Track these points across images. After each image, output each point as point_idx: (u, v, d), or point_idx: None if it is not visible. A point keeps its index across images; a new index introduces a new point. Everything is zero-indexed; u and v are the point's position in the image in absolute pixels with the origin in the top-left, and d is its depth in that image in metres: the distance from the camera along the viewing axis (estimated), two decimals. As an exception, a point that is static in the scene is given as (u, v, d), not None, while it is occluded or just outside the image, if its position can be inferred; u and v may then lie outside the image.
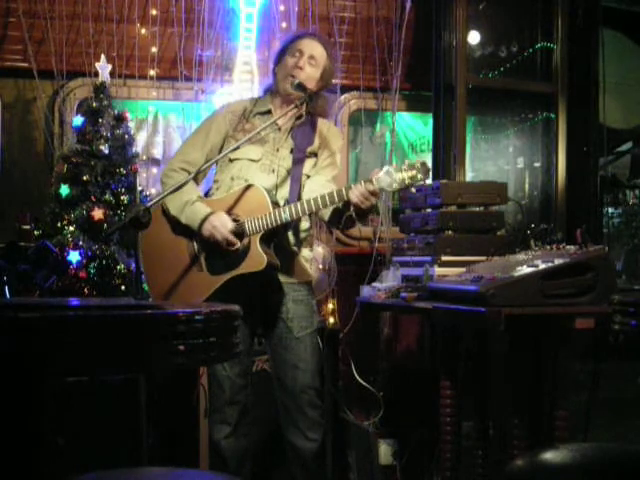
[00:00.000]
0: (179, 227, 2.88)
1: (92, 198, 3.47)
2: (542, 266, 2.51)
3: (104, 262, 3.39)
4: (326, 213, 2.85)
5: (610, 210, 5.05)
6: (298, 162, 2.90)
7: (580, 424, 2.97)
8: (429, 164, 2.67)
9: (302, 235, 2.97)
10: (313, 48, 2.94)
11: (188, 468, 3.43)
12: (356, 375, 4.03)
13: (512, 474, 1.66)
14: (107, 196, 3.50)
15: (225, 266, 2.81)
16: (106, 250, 3.40)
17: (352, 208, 2.69)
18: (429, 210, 3.29)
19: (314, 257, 3.04)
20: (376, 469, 3.45)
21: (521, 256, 2.74)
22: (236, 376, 2.91)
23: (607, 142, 4.53)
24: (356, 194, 2.63)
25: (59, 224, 3.47)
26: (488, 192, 3.26)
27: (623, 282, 4.23)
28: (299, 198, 2.85)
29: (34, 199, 3.83)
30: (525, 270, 2.52)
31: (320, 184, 2.90)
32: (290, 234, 2.91)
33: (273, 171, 2.90)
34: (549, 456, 1.67)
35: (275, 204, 2.78)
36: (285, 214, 2.73)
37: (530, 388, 2.72)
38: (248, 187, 2.84)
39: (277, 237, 2.83)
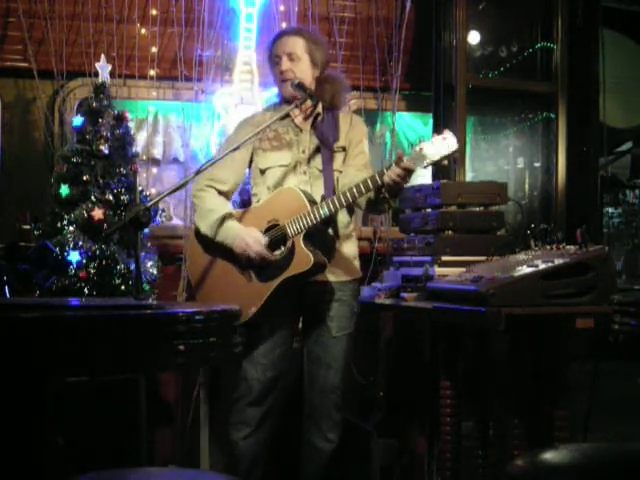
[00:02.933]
0: (216, 244, 2.90)
1: (92, 198, 3.47)
2: (542, 266, 2.51)
3: (104, 262, 3.38)
4: (362, 202, 2.87)
5: (610, 210, 5.04)
6: (327, 159, 2.91)
7: (580, 424, 2.97)
8: (454, 133, 2.64)
9: (343, 231, 2.98)
10: (285, 45, 2.94)
11: (188, 468, 3.43)
12: (356, 375, 4.02)
13: (512, 474, 1.66)
14: (107, 196, 3.50)
15: (274, 271, 2.81)
16: (106, 250, 3.40)
17: (384, 189, 2.70)
18: (429, 210, 3.29)
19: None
20: (376, 469, 3.45)
21: (521, 256, 2.74)
22: (267, 380, 2.90)
23: (607, 142, 4.53)
24: (392, 177, 2.63)
25: (59, 224, 3.47)
26: (488, 192, 3.26)
27: (623, 282, 4.22)
28: (335, 194, 2.86)
29: (34, 199, 3.82)
30: (525, 270, 2.52)
31: (353, 175, 2.91)
32: (331, 231, 2.91)
33: (305, 172, 2.92)
34: (549, 456, 1.67)
35: (312, 202, 2.79)
36: (324, 209, 2.73)
37: (530, 388, 2.72)
38: (283, 190, 2.86)
39: (320, 235, 2.83)
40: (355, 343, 3.07)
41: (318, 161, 2.92)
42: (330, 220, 2.84)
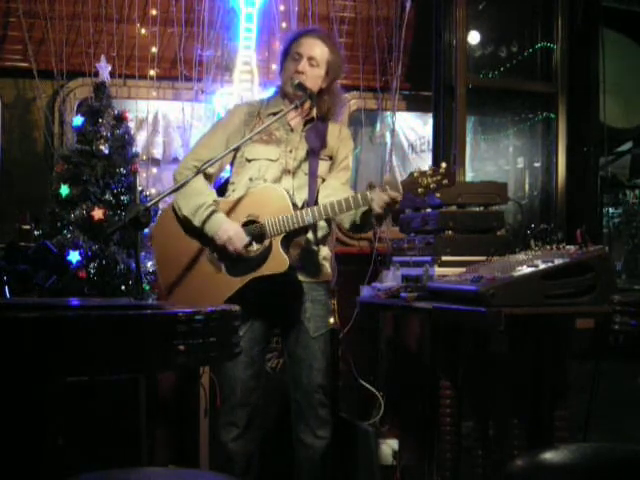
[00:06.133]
0: (193, 228, 2.88)
1: (92, 198, 3.47)
2: (542, 266, 2.51)
3: (104, 262, 3.39)
4: (346, 219, 2.85)
5: (610, 210, 5.04)
6: (314, 164, 2.91)
7: (580, 424, 2.96)
8: (451, 168, 2.65)
9: (321, 234, 2.97)
10: (312, 48, 2.93)
11: (188, 468, 3.43)
12: (356, 375, 4.03)
13: (512, 474, 1.66)
14: (107, 196, 3.50)
15: (246, 267, 2.79)
16: (106, 250, 3.40)
17: (373, 213, 2.69)
18: (429, 210, 3.29)
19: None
20: (376, 469, 3.45)
21: (521, 256, 2.74)
22: (249, 378, 2.90)
23: (607, 142, 4.53)
24: (380, 203, 2.61)
25: (59, 224, 3.47)
26: (488, 192, 3.26)
27: (623, 282, 4.22)
28: (316, 201, 2.86)
29: (34, 199, 3.82)
30: (525, 270, 2.52)
31: (335, 188, 2.92)
32: (310, 234, 2.91)
33: (289, 172, 2.91)
34: (549, 456, 1.67)
35: (295, 206, 2.78)
36: (308, 217, 2.73)
37: (530, 388, 2.72)
38: (268, 187, 2.85)
39: (297, 237, 2.83)
40: (355, 343, 3.08)
41: (305, 164, 2.92)
42: (310, 226, 2.84)
